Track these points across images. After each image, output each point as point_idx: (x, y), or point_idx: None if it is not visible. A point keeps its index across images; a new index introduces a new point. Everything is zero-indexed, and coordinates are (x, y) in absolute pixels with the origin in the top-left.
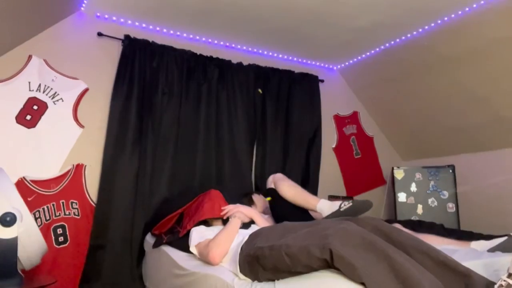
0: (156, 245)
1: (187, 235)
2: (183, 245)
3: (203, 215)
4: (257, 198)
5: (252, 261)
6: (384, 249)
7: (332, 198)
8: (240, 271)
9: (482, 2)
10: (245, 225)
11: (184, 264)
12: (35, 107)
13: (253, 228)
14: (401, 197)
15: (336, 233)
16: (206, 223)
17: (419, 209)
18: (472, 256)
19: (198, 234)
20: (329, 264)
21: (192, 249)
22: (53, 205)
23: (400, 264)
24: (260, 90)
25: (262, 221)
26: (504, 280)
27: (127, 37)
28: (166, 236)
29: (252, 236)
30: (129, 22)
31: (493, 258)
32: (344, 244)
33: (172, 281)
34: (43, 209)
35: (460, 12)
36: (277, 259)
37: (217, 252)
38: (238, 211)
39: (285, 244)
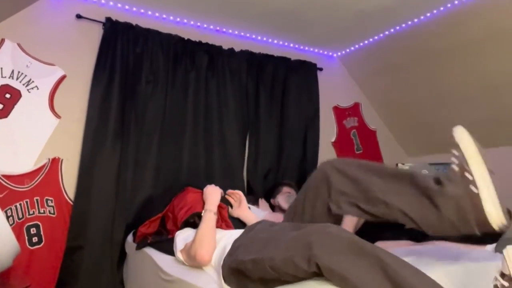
0: (140, 246)
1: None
2: (169, 247)
3: (182, 219)
4: (262, 203)
5: (237, 274)
6: (375, 252)
7: None
8: (225, 282)
9: None
10: (239, 225)
11: (168, 269)
12: (8, 96)
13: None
14: None
15: (321, 240)
16: (194, 224)
17: None
18: (485, 258)
19: (183, 239)
20: (319, 274)
21: (178, 255)
22: (26, 202)
23: (394, 270)
24: None
25: (252, 218)
26: (497, 280)
27: (108, 19)
28: (151, 237)
29: (234, 247)
30: (111, 3)
31: None
32: (331, 253)
33: (155, 286)
34: (16, 206)
35: None
36: (263, 272)
37: (204, 251)
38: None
39: (268, 257)
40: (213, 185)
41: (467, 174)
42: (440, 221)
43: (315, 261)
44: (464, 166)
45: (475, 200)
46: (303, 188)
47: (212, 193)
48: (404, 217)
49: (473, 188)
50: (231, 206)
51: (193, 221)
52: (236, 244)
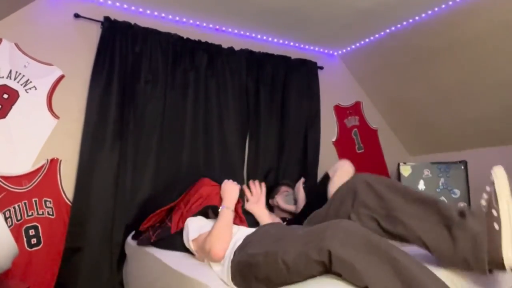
0: (142, 243)
1: (179, 232)
2: (171, 244)
3: (194, 211)
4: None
5: (244, 269)
6: (387, 249)
7: None
8: (232, 280)
9: None
10: (254, 224)
11: (172, 265)
12: (6, 96)
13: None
14: None
15: (336, 233)
16: (206, 214)
17: None
18: None
19: (197, 227)
20: (328, 268)
21: (189, 244)
22: (25, 203)
23: (405, 267)
24: None
25: (265, 218)
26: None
27: (107, 19)
28: (153, 234)
29: (245, 241)
30: (109, 2)
31: None
32: (344, 245)
33: (156, 285)
34: (14, 208)
35: None
36: (272, 268)
37: (219, 248)
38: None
39: (282, 250)
40: (231, 181)
41: (493, 211)
42: (454, 253)
43: (327, 249)
44: (492, 202)
45: (494, 237)
46: (331, 197)
47: (231, 190)
48: (420, 243)
49: (495, 225)
50: (247, 200)
51: (206, 212)
52: (248, 240)
